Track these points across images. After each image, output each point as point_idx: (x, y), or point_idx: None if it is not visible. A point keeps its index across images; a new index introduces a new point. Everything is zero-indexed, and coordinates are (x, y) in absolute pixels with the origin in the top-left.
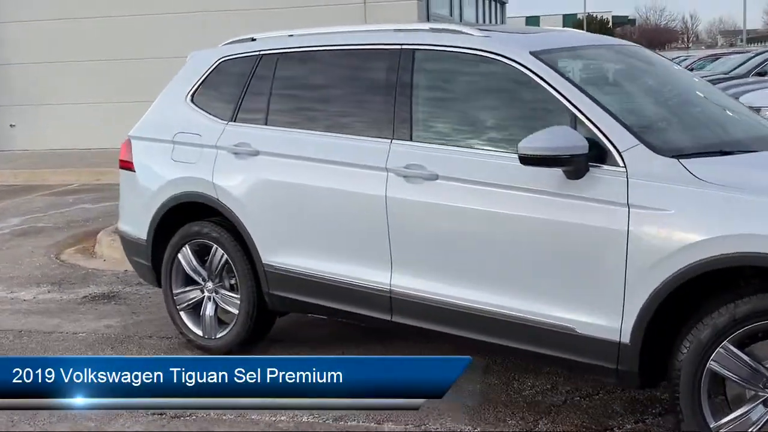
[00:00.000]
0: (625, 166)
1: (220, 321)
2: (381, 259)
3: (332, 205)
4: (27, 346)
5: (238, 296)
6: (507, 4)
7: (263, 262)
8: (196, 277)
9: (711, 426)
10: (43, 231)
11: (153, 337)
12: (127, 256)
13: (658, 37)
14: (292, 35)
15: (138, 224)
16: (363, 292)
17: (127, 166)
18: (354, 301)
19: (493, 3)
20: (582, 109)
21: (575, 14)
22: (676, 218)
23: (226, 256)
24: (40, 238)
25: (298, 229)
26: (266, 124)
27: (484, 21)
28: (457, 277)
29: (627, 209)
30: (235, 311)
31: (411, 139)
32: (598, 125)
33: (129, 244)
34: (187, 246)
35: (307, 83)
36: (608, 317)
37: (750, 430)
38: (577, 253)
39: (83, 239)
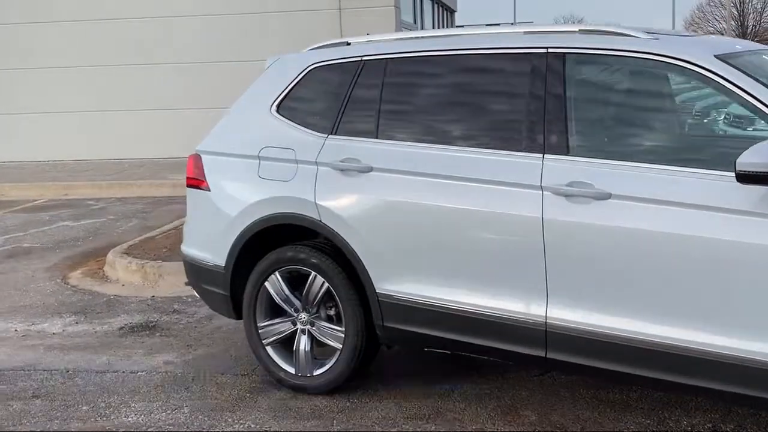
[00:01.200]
0: None
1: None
2: (534, 288)
3: (470, 227)
4: (84, 389)
5: (342, 329)
6: (456, 13)
7: (377, 291)
8: (287, 308)
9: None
10: (32, 252)
11: (227, 375)
12: (193, 284)
13: None
14: (400, 39)
15: (213, 249)
16: (511, 325)
17: (197, 184)
18: (498, 335)
19: (444, 11)
20: None
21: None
22: None
23: (327, 284)
24: (34, 260)
25: (424, 255)
26: (377, 137)
27: (439, 29)
28: (634, 309)
29: None
30: (338, 345)
31: (568, 154)
32: None
33: (198, 270)
34: (277, 273)
35: (426, 92)
36: None
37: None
38: None
39: (83, 261)
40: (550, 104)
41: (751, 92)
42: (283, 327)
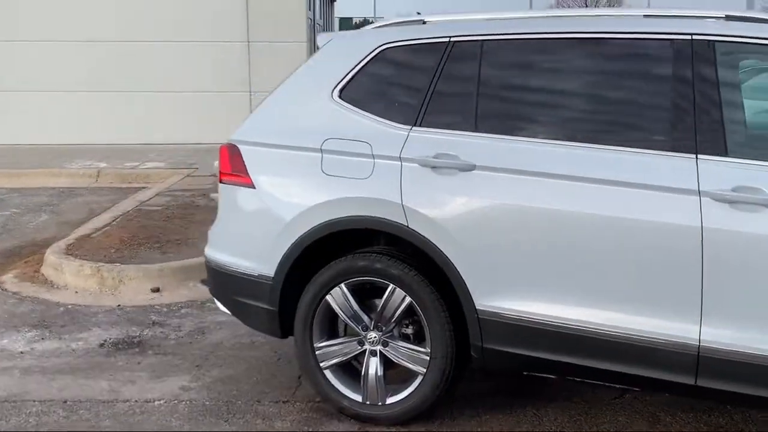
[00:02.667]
0: None
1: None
2: (684, 307)
3: (607, 236)
4: (98, 425)
5: (426, 350)
6: (335, 2)
7: (477, 307)
8: (354, 326)
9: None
10: None
11: (265, 402)
12: (221, 295)
13: None
14: (495, 18)
15: (257, 256)
16: (654, 348)
17: (235, 179)
18: (636, 360)
19: (326, 2)
20: None
21: (350, 18)
22: None
23: (409, 298)
24: None
25: (547, 268)
26: (476, 130)
27: (322, 20)
28: None
29: None
30: (420, 369)
31: (727, 154)
32: None
33: (233, 281)
34: (343, 285)
35: (536, 80)
36: None
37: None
38: None
39: (8, 262)
40: (702, 98)
41: None
42: (348, 348)
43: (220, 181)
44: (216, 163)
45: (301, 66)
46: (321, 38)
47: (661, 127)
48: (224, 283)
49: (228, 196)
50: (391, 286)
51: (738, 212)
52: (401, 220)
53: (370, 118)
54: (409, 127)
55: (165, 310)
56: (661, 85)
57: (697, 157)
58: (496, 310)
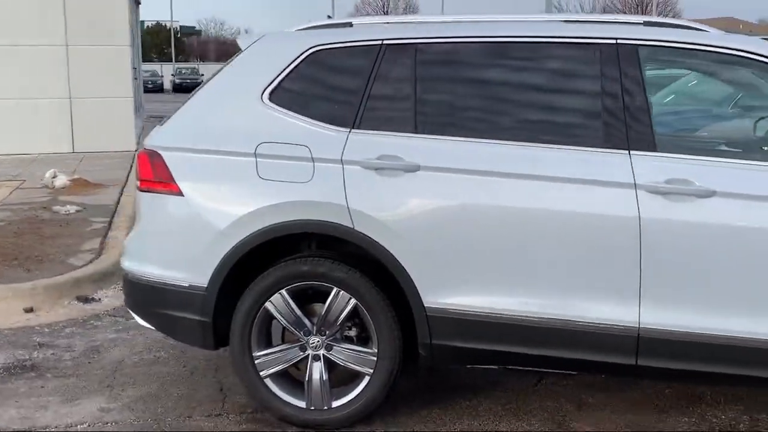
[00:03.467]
0: None
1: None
2: (624, 292)
3: (550, 230)
4: None
5: (373, 351)
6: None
7: (426, 305)
8: (295, 331)
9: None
10: None
11: (197, 418)
12: (143, 309)
13: (226, 49)
14: (427, 22)
15: (188, 266)
16: (597, 333)
17: (159, 187)
18: (580, 345)
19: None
20: None
21: (143, 22)
22: None
23: (354, 300)
24: None
25: (491, 262)
26: (417, 131)
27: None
28: (739, 309)
29: None
30: (368, 370)
31: (656, 150)
32: None
33: (160, 293)
34: (284, 291)
35: (474, 82)
36: None
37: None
38: None
39: None
40: (629, 98)
41: None
42: (289, 354)
43: (141, 190)
44: (48, 174)
45: (223, 68)
46: (243, 40)
47: (596, 126)
48: (147, 295)
49: (151, 204)
50: (335, 290)
51: (671, 203)
52: (347, 223)
53: (305, 121)
54: (348, 129)
55: (47, 330)
56: (592, 86)
57: (630, 153)
58: (444, 307)
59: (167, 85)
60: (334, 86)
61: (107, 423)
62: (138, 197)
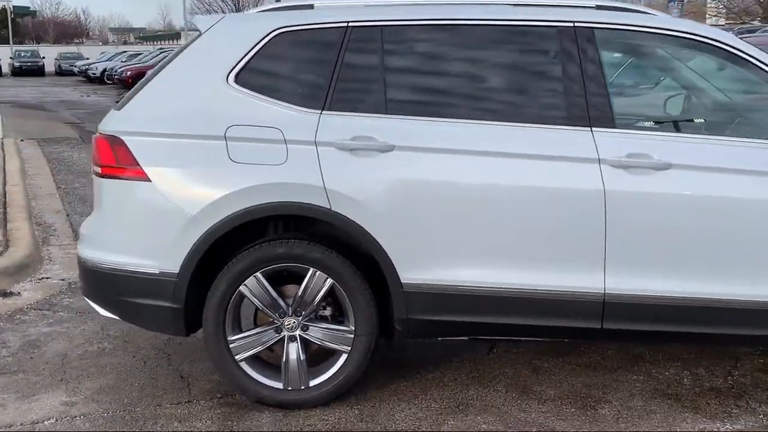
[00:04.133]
0: None
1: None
2: (590, 260)
3: (519, 204)
4: None
5: (351, 328)
6: None
7: (402, 281)
8: (270, 314)
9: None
10: None
11: (167, 406)
12: (104, 298)
13: (65, 30)
14: (393, 5)
15: (157, 253)
16: (566, 300)
17: (125, 173)
18: (550, 312)
19: None
20: None
21: None
22: None
23: (331, 280)
24: None
25: (466, 237)
26: (387, 112)
27: None
28: (696, 272)
29: None
30: (345, 348)
31: (615, 127)
32: None
33: (125, 280)
34: (259, 274)
35: (441, 64)
36: None
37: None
38: None
39: None
40: (589, 79)
41: (762, 60)
42: (265, 337)
43: (101, 176)
44: None
45: (182, 51)
46: (201, 21)
47: (559, 105)
48: (110, 284)
49: (113, 191)
50: (311, 270)
51: (632, 175)
52: (324, 204)
53: (273, 103)
54: (319, 111)
55: None
56: (554, 67)
57: (592, 130)
58: (419, 282)
59: (5, 69)
60: (301, 68)
61: (75, 417)
62: (97, 184)
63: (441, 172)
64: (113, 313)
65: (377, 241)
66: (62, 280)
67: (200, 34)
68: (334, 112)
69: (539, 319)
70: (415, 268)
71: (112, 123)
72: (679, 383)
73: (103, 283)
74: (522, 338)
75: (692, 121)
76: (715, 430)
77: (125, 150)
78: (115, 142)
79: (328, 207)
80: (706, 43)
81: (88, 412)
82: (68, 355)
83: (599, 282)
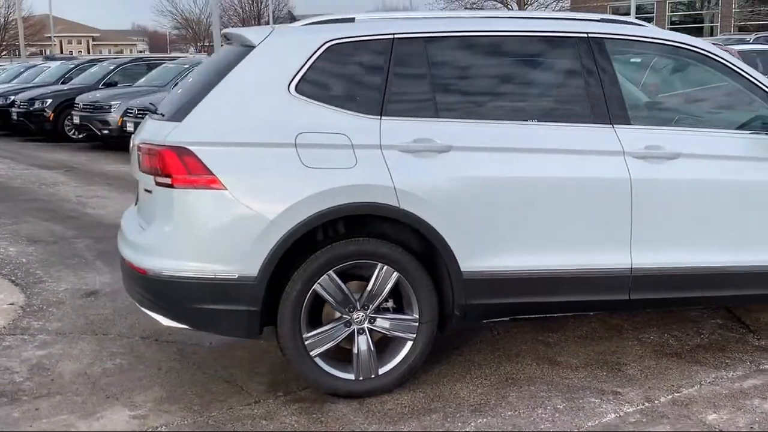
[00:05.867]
0: None
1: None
2: (619, 240)
3: (562, 194)
4: None
5: (415, 317)
6: None
7: (462, 270)
8: (341, 310)
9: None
10: None
11: (238, 408)
12: (177, 308)
13: None
14: (433, 18)
15: (236, 257)
16: (599, 276)
17: (199, 183)
18: (586, 289)
19: None
20: None
21: None
22: None
23: (397, 273)
24: None
25: (518, 226)
26: (438, 116)
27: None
28: (705, 244)
29: None
30: (410, 336)
31: (630, 123)
32: None
33: (201, 288)
34: (332, 272)
35: (486, 71)
36: None
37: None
38: None
39: None
40: (606, 82)
41: (749, 73)
42: (337, 332)
43: (171, 186)
44: None
45: (239, 63)
46: (253, 34)
47: (583, 105)
48: (182, 292)
49: (186, 200)
50: (379, 265)
51: (650, 165)
52: (394, 203)
53: (336, 110)
54: (378, 117)
55: None
56: (577, 71)
57: (614, 127)
58: (479, 270)
59: None
60: (355, 78)
61: (158, 428)
62: (162, 194)
63: (494, 169)
64: (182, 323)
65: (441, 235)
66: (10, 304)
67: (253, 48)
68: (390, 118)
69: (576, 295)
70: (474, 257)
71: (177, 134)
72: (669, 344)
73: (174, 293)
74: (557, 314)
75: (691, 116)
76: (729, 376)
77: (196, 160)
78: (183, 152)
79: (398, 205)
80: (691, 51)
81: (166, 422)
82: (90, 374)
83: (627, 258)
